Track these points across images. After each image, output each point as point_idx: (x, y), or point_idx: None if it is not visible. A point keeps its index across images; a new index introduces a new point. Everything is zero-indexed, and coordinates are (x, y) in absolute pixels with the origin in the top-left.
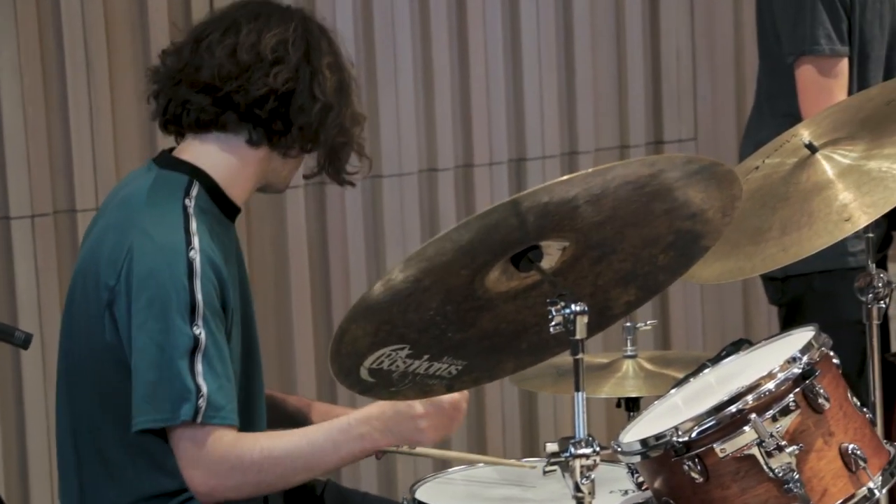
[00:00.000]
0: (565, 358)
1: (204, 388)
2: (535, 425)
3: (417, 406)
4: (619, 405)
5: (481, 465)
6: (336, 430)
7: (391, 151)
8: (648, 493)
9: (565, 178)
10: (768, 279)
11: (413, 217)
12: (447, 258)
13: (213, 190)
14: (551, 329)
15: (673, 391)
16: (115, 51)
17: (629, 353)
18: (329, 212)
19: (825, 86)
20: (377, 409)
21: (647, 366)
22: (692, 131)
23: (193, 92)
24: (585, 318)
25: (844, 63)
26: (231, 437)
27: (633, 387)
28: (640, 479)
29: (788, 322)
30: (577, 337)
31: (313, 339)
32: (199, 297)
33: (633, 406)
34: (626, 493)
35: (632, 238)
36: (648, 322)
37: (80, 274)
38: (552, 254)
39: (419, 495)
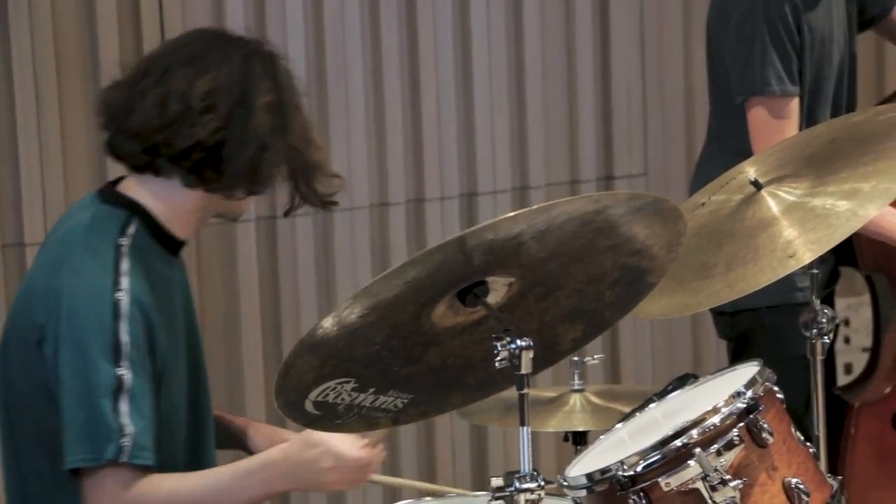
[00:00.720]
0: (513, 392)
1: (128, 428)
2: (484, 458)
3: (325, 460)
4: (566, 439)
5: (428, 498)
6: (240, 474)
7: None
8: None
9: (511, 214)
10: (717, 314)
11: (364, 251)
12: (394, 295)
13: (153, 226)
14: (497, 364)
15: (619, 425)
16: (64, 83)
17: (576, 387)
18: (280, 245)
19: (776, 126)
20: (282, 454)
21: (595, 400)
22: (642, 167)
23: (125, 137)
24: (531, 354)
25: (795, 103)
26: (137, 478)
27: (580, 421)
28: None
29: (737, 356)
30: (523, 372)
31: (263, 372)
32: (123, 338)
33: (580, 440)
34: None
35: (577, 274)
36: (596, 356)
37: (16, 310)
38: (498, 289)
39: None
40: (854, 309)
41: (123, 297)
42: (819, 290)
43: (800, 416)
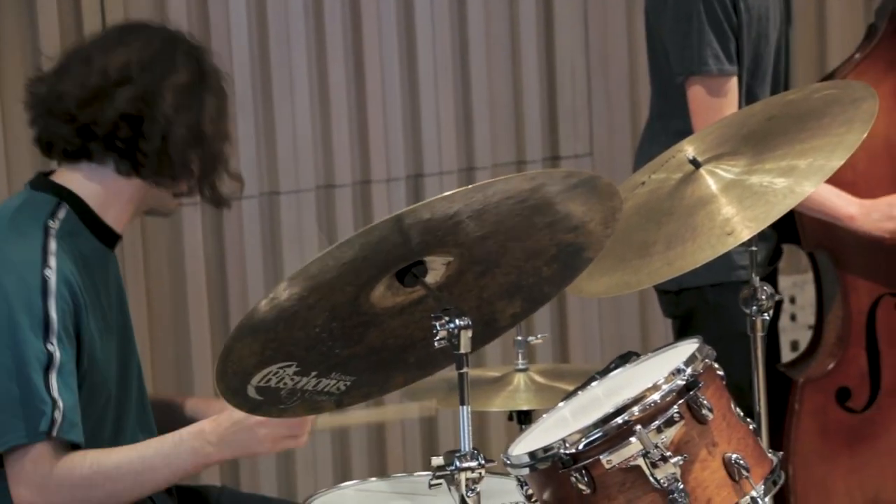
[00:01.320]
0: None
1: (60, 403)
2: (434, 438)
3: (251, 425)
4: (510, 418)
5: (373, 479)
6: (168, 444)
7: (288, 168)
8: None
9: (447, 194)
10: (662, 292)
11: (311, 233)
12: (331, 275)
13: (85, 214)
14: (436, 343)
15: (561, 404)
16: (5, 78)
17: (521, 366)
18: (226, 228)
19: (715, 105)
20: (212, 422)
21: (539, 379)
22: (588, 147)
23: (58, 122)
24: (469, 333)
25: (733, 82)
26: (61, 452)
27: (524, 400)
28: (530, 491)
29: (682, 334)
30: (462, 351)
31: (211, 355)
32: (52, 314)
33: (524, 419)
34: None
35: (515, 251)
36: (540, 335)
37: None
38: (437, 268)
39: None
40: (800, 286)
41: (52, 276)
42: (762, 267)
43: (744, 393)
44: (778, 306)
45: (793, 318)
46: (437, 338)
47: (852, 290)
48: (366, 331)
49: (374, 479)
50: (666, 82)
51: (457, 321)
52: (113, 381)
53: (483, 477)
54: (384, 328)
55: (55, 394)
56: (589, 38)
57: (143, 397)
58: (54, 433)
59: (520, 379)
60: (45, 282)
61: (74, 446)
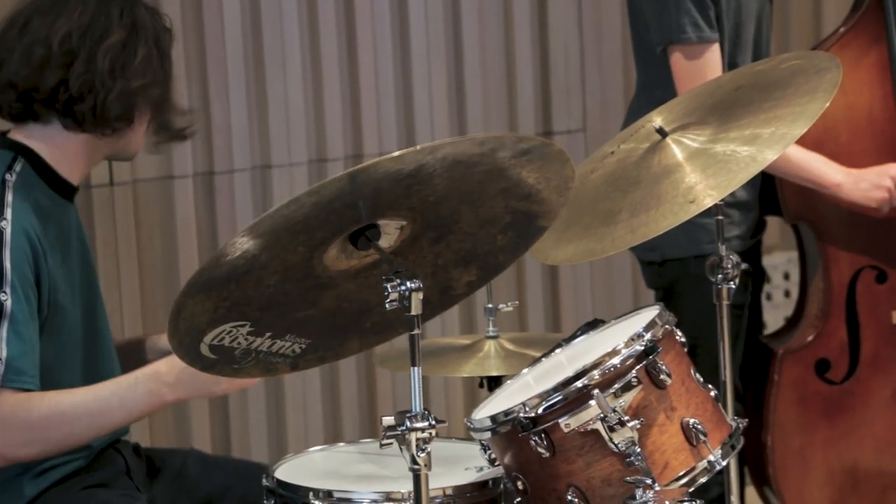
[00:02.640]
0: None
1: (3, 353)
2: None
3: (207, 376)
4: (481, 385)
5: (342, 444)
6: (124, 386)
7: (280, 141)
8: (500, 469)
9: (396, 153)
10: (646, 263)
11: None
12: (282, 234)
13: (40, 167)
14: (387, 305)
15: (526, 370)
16: None
17: (491, 333)
18: (218, 201)
19: (697, 73)
20: (167, 363)
21: (509, 346)
22: (581, 123)
23: (4, 94)
24: (420, 295)
25: (714, 48)
26: (22, 396)
27: (493, 366)
28: (492, 455)
29: (665, 305)
30: (413, 313)
31: None
32: (6, 264)
33: (494, 385)
34: (480, 469)
35: (469, 218)
36: (510, 303)
37: None
38: (390, 233)
39: (279, 475)
40: (794, 263)
41: (7, 227)
42: (745, 239)
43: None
44: (761, 278)
45: (787, 294)
46: (389, 299)
47: (833, 263)
48: (320, 293)
49: (341, 444)
50: (648, 53)
51: (408, 283)
52: (79, 326)
53: (433, 437)
54: (339, 291)
55: (2, 343)
56: (582, 13)
57: (110, 345)
58: None
59: (490, 346)
60: (0, 232)
61: (28, 392)
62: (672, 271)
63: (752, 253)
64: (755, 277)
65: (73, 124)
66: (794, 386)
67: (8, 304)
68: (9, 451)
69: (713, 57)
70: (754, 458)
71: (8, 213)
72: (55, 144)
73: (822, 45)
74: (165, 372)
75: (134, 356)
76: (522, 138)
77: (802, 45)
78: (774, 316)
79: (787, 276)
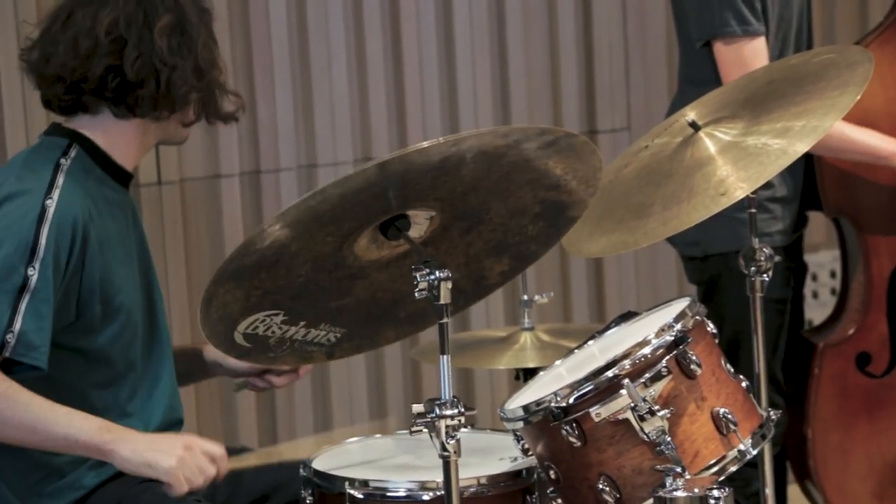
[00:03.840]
0: (464, 333)
1: (18, 325)
2: (472, 396)
3: (186, 437)
4: (517, 377)
5: (378, 435)
6: (81, 412)
7: (326, 141)
8: (534, 459)
9: (421, 145)
10: (688, 258)
11: None
12: (310, 224)
13: (97, 154)
14: (416, 294)
15: (558, 362)
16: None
17: (527, 325)
18: (265, 200)
19: (744, 66)
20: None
21: (545, 337)
22: (625, 121)
23: (49, 84)
24: (449, 284)
25: (761, 42)
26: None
27: (529, 358)
28: (525, 445)
29: (707, 300)
30: (442, 302)
31: None
32: (41, 240)
33: (530, 377)
34: (514, 459)
35: (498, 208)
36: (545, 294)
37: None
38: (420, 223)
39: (316, 465)
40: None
41: (51, 206)
42: (787, 234)
43: (767, 356)
44: (803, 273)
45: (833, 292)
46: (418, 289)
47: (874, 256)
48: (353, 283)
49: (378, 435)
50: (691, 49)
51: (437, 273)
52: (139, 310)
53: (462, 424)
54: (372, 281)
55: (18, 317)
56: (626, 11)
57: (168, 339)
58: (6, 353)
59: (526, 338)
60: (43, 210)
61: (33, 369)
62: (714, 266)
63: (794, 248)
64: (797, 272)
65: (125, 111)
66: (835, 379)
67: (34, 279)
68: None
69: (759, 49)
70: (796, 452)
71: (55, 193)
72: (107, 132)
73: (863, 41)
74: (133, 430)
75: (192, 362)
76: (546, 130)
77: (847, 41)
78: (821, 314)
79: (833, 275)
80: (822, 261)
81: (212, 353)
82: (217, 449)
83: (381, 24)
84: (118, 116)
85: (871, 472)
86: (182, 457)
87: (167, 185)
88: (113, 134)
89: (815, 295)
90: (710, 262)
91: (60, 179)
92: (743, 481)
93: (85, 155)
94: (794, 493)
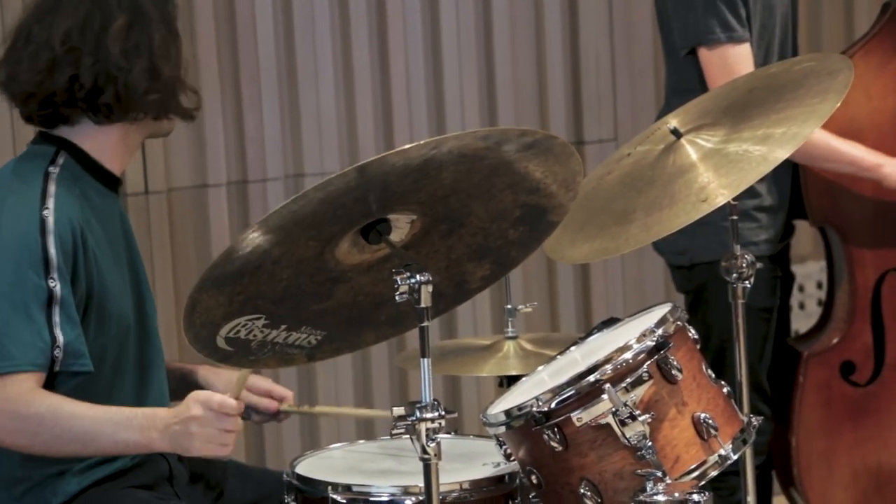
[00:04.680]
0: (449, 341)
1: (61, 339)
2: (458, 403)
3: (193, 408)
4: (501, 384)
5: (362, 441)
6: (122, 415)
7: (313, 150)
8: (516, 465)
9: (401, 148)
10: (675, 267)
11: None
12: (292, 229)
13: (84, 159)
14: (397, 298)
15: (541, 368)
16: None
17: (510, 334)
18: (252, 210)
19: (730, 73)
20: (165, 411)
21: (527, 346)
22: (612, 132)
23: (22, 102)
24: (430, 288)
25: (745, 47)
26: (28, 386)
27: (511, 366)
28: (508, 450)
29: (694, 309)
30: (422, 305)
31: None
32: (51, 251)
33: (513, 384)
34: (497, 465)
35: (478, 212)
36: (529, 304)
37: None
38: (401, 227)
39: (299, 470)
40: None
41: (49, 216)
42: (773, 243)
43: (753, 365)
44: (790, 282)
45: (820, 303)
46: (399, 292)
47: (858, 266)
48: (334, 286)
49: (361, 441)
50: (676, 58)
51: (418, 276)
52: (131, 316)
53: (443, 427)
54: (353, 284)
55: (57, 330)
56: (613, 22)
57: (160, 344)
58: (57, 368)
59: (509, 346)
60: (42, 221)
61: (84, 374)
62: (701, 275)
63: (781, 257)
64: (784, 282)
65: (103, 118)
66: (820, 388)
67: (57, 289)
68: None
69: (745, 56)
70: (781, 461)
71: (50, 202)
72: (93, 138)
73: (848, 51)
74: (161, 418)
75: (184, 382)
76: (526, 132)
77: (833, 51)
78: (808, 325)
79: (820, 286)
80: (809, 272)
81: (204, 375)
82: (225, 403)
83: (367, 35)
84: (98, 123)
85: (855, 480)
86: (198, 434)
87: (154, 195)
88: (98, 139)
89: (801, 306)
90: (697, 271)
91: (52, 188)
92: (728, 490)
93: (73, 161)
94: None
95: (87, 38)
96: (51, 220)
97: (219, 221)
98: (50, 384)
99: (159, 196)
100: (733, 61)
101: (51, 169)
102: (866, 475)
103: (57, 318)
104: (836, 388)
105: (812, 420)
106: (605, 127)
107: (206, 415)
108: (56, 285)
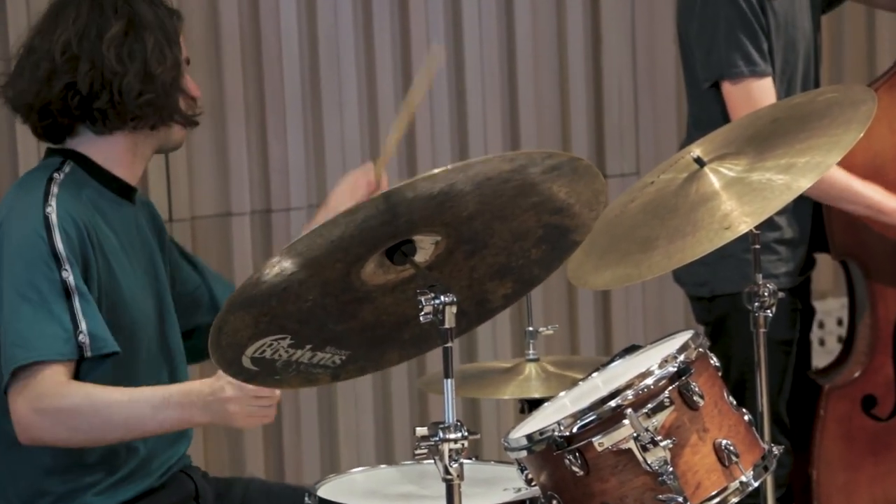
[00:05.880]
0: (470, 365)
1: (84, 325)
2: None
3: (227, 389)
4: (522, 410)
5: (383, 466)
6: (159, 396)
7: (337, 179)
8: (537, 489)
9: (429, 173)
10: (696, 299)
11: None
12: (320, 252)
13: (92, 168)
14: (421, 318)
15: (563, 393)
16: None
17: (531, 356)
18: (275, 238)
19: (754, 103)
20: (200, 384)
21: (550, 368)
22: (634, 166)
23: (25, 114)
24: (454, 308)
25: (768, 82)
26: (60, 380)
27: (533, 388)
28: (529, 475)
29: (715, 341)
30: (447, 326)
31: None
32: (59, 245)
33: (535, 408)
34: (518, 490)
35: (502, 232)
36: (550, 327)
37: None
38: (426, 248)
39: (321, 493)
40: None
41: (52, 213)
42: (793, 276)
43: (772, 397)
44: (811, 315)
45: (840, 339)
46: (423, 313)
47: (880, 299)
48: (359, 307)
49: (382, 465)
50: (698, 91)
51: (442, 297)
52: (152, 326)
53: (465, 448)
54: (377, 305)
55: (79, 317)
56: (636, 57)
57: (180, 344)
58: (88, 353)
59: (531, 369)
60: (46, 218)
61: (111, 355)
62: (722, 307)
63: (801, 290)
64: (804, 314)
65: (101, 126)
66: (841, 421)
67: (71, 279)
68: (37, 429)
69: (767, 89)
70: (802, 494)
71: (53, 201)
72: (99, 148)
73: (872, 85)
74: (197, 394)
75: None
76: (551, 154)
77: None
78: (827, 361)
79: (840, 322)
80: (830, 308)
81: None
82: (259, 390)
83: (392, 65)
84: (98, 133)
85: None
86: (237, 412)
87: (178, 223)
88: (104, 149)
89: (821, 342)
90: (717, 303)
91: (55, 189)
92: None
93: (79, 169)
94: None
95: (85, 46)
96: (54, 217)
97: (242, 250)
98: (82, 375)
99: (183, 224)
100: (757, 95)
101: (55, 175)
102: None
103: (77, 306)
104: (856, 422)
105: (833, 453)
106: (627, 161)
107: (240, 395)
108: (69, 275)
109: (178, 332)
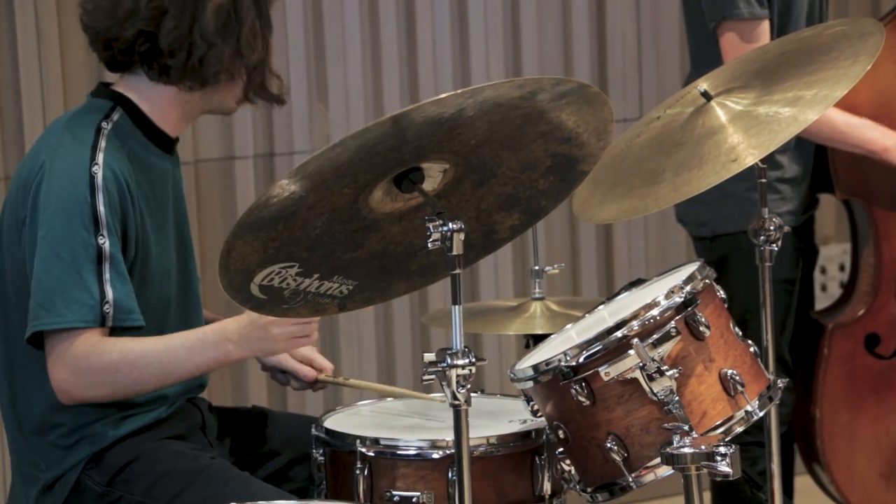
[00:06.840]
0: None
1: (110, 295)
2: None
3: (265, 315)
4: (527, 346)
5: (389, 399)
6: (193, 338)
7: (339, 124)
8: (543, 421)
9: (438, 97)
10: (697, 238)
11: None
12: (328, 176)
13: (138, 117)
14: (429, 245)
15: (569, 326)
16: (64, 17)
17: (537, 295)
18: (278, 181)
19: (747, 49)
20: (233, 321)
21: (554, 307)
22: (637, 111)
23: (91, 40)
24: (462, 235)
25: (765, 25)
26: (95, 339)
27: (538, 326)
28: (535, 406)
29: (716, 280)
30: (454, 253)
31: None
32: (101, 209)
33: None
34: (524, 421)
35: (510, 161)
36: (556, 265)
37: (8, 199)
38: (434, 176)
39: (328, 424)
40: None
41: (98, 172)
42: (796, 215)
43: (775, 337)
44: (813, 255)
45: (842, 285)
46: (431, 239)
47: (884, 239)
48: (366, 235)
49: (389, 399)
50: (701, 30)
51: (450, 224)
52: (173, 282)
53: (473, 374)
54: (385, 234)
55: (107, 286)
56: (640, 3)
57: (199, 298)
58: (109, 324)
59: (536, 307)
60: (92, 178)
61: (134, 330)
62: (723, 246)
63: (804, 229)
64: (807, 253)
65: (157, 74)
66: (844, 360)
67: (106, 246)
68: (78, 391)
69: (763, 33)
70: (804, 434)
71: (100, 157)
72: (147, 95)
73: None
74: (231, 330)
75: None
76: (561, 80)
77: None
78: None
79: (842, 268)
80: (832, 254)
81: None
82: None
83: (395, 14)
84: (152, 79)
85: (879, 452)
86: (280, 334)
87: (182, 166)
88: (154, 98)
89: (823, 288)
90: (719, 242)
91: (102, 143)
92: (750, 460)
93: (127, 118)
94: (802, 485)
95: (176, 2)
96: (99, 177)
97: (245, 193)
98: (113, 333)
99: (186, 167)
100: (750, 37)
101: (104, 124)
102: (890, 448)
103: (107, 275)
104: (860, 361)
105: (836, 392)
106: (630, 106)
107: (280, 323)
108: (105, 242)
109: (199, 289)
